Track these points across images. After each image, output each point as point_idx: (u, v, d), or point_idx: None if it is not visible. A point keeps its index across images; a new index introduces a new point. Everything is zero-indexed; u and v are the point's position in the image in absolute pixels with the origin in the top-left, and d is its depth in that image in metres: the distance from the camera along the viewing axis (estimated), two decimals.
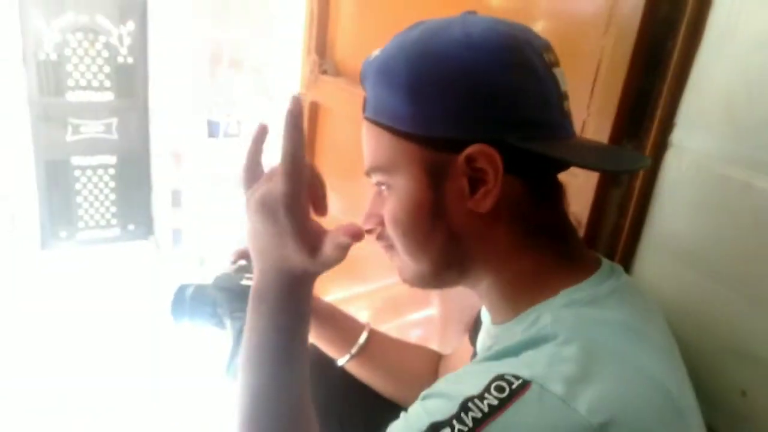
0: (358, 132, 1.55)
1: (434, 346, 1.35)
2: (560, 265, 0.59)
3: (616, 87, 0.79)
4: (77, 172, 3.96)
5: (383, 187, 0.65)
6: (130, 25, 3.79)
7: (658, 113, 0.76)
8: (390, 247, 0.67)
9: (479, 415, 0.45)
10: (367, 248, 1.69)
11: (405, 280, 0.68)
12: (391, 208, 0.63)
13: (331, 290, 1.71)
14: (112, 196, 4.12)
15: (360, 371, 0.99)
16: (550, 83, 0.57)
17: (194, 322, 0.95)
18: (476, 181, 0.57)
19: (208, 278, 1.00)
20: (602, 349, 0.49)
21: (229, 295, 0.94)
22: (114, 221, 4.21)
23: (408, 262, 0.66)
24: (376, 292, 1.59)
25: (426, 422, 0.47)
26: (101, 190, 4.09)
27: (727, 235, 0.70)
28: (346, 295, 1.73)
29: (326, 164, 1.53)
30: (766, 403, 0.68)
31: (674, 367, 0.55)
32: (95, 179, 4.04)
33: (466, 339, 0.90)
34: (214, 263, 3.26)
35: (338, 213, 1.60)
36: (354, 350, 0.98)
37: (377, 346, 0.99)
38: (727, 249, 0.70)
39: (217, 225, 3.36)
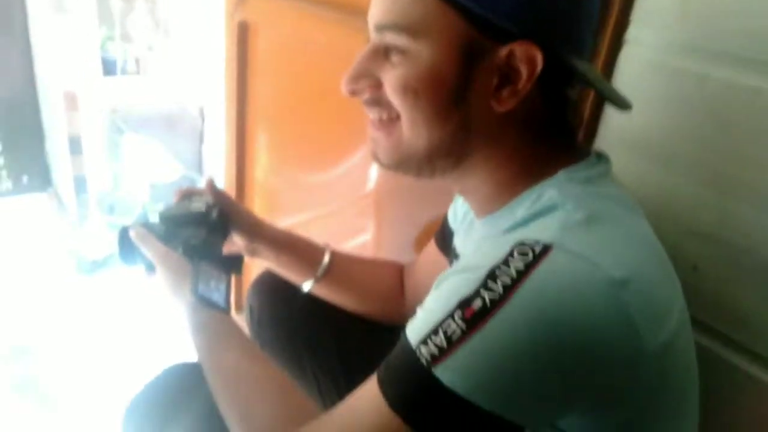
0: (298, 53, 1.47)
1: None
2: (558, 153, 0.60)
3: None
4: None
5: (392, 51, 0.57)
6: None
7: (614, 11, 0.78)
8: (380, 119, 0.60)
9: (508, 280, 0.45)
10: (288, 183, 1.64)
11: (383, 162, 0.62)
12: (404, 75, 0.54)
13: None
14: None
15: (326, 293, 0.98)
16: (597, 3, 0.57)
17: (147, 261, 0.86)
18: (507, 78, 0.54)
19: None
20: (608, 217, 0.52)
21: (179, 222, 0.87)
22: (4, 173, 3.81)
23: (405, 135, 0.57)
24: (304, 225, 1.56)
25: (454, 301, 0.46)
26: None
27: (683, 126, 0.74)
28: None
29: (261, 92, 1.44)
30: (715, 276, 0.74)
31: (654, 237, 0.59)
32: None
33: (432, 247, 0.91)
34: (125, 211, 3.06)
35: (278, 145, 1.53)
36: (319, 273, 0.96)
37: (340, 266, 0.98)
38: (682, 139, 0.75)
39: (123, 169, 3.13)
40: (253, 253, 0.95)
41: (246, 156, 1.60)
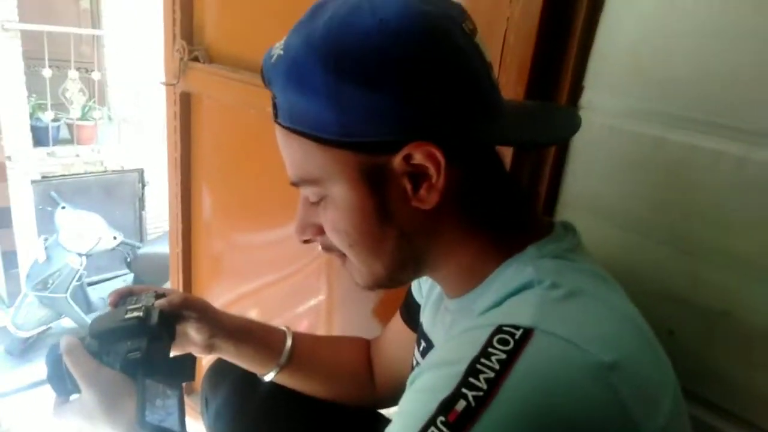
0: (238, 121, 1.42)
1: (321, 332, 1.30)
2: (519, 229, 0.56)
3: (525, 57, 0.78)
4: None
5: (316, 198, 0.57)
6: None
7: (567, 78, 0.77)
8: (340, 254, 0.60)
9: (491, 374, 0.40)
10: (236, 248, 1.58)
11: (360, 286, 0.61)
12: (331, 219, 0.55)
13: (213, 295, 1.57)
14: None
15: (291, 380, 0.88)
16: (476, 58, 0.53)
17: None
18: (417, 176, 0.51)
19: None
20: (587, 292, 0.48)
21: (113, 335, 0.72)
22: None
23: (360, 268, 0.58)
24: (259, 290, 1.49)
25: (433, 404, 0.41)
26: None
27: (645, 190, 0.73)
28: (229, 298, 1.60)
29: (205, 159, 1.37)
30: (691, 340, 0.72)
31: (637, 311, 0.55)
32: None
33: (397, 320, 0.85)
34: (59, 286, 2.84)
35: (224, 210, 1.45)
36: (282, 360, 0.86)
37: (303, 349, 0.90)
38: (645, 202, 0.73)
39: (57, 241, 2.93)
40: (211, 348, 0.85)
41: (191, 221, 1.51)
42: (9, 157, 2.93)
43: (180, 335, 0.80)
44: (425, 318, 0.74)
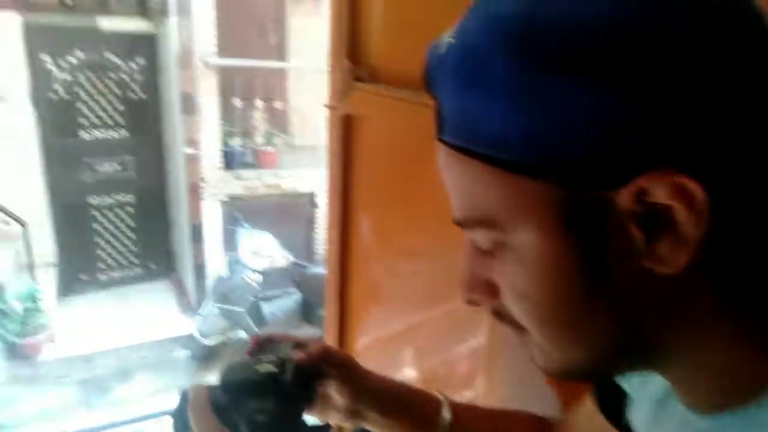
0: (401, 143, 1.33)
1: (482, 381, 1.12)
2: None
3: None
4: (95, 213, 3.77)
5: (490, 245, 0.38)
6: (140, 61, 3.63)
7: None
8: (518, 327, 0.40)
9: None
10: (393, 274, 1.48)
11: (544, 371, 0.42)
12: (511, 278, 0.37)
13: (368, 326, 1.47)
14: (132, 236, 3.91)
15: None
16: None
17: None
18: (655, 223, 0.31)
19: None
20: None
21: (242, 390, 0.63)
22: (136, 261, 4.00)
23: (549, 350, 0.39)
24: (416, 326, 1.35)
25: None
26: (121, 230, 3.89)
27: None
28: (384, 331, 1.49)
29: (365, 183, 1.29)
30: None
31: None
32: (114, 219, 3.84)
33: (590, 407, 0.64)
34: (238, 299, 3.02)
35: (383, 237, 1.37)
36: None
37: (464, 426, 0.73)
38: None
39: (238, 258, 3.13)
40: (353, 415, 0.72)
41: (350, 247, 1.45)
42: (203, 179, 3.22)
43: (319, 396, 0.68)
44: (638, 417, 0.52)
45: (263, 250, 2.99)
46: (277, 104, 3.36)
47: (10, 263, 3.12)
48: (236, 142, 3.30)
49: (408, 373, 1.17)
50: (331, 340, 1.27)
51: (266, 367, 0.59)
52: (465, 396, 1.12)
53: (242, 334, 3.12)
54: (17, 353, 2.87)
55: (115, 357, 3.12)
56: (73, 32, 3.32)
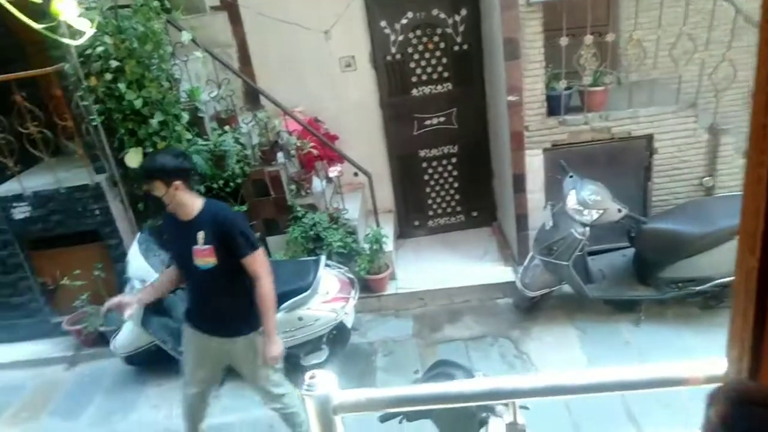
0: None
1: None
2: None
3: None
4: (424, 164, 4.03)
5: None
6: (463, 12, 3.63)
7: None
8: None
9: None
10: None
11: None
12: None
13: None
14: (456, 185, 4.07)
15: None
16: None
17: None
18: None
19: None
20: None
21: None
22: (459, 209, 4.16)
23: None
24: None
25: None
26: (446, 180, 4.08)
27: None
28: None
29: None
30: None
31: None
32: (440, 170, 4.04)
33: None
34: (562, 253, 2.84)
35: None
36: None
37: None
38: None
39: (563, 209, 2.92)
40: None
41: None
42: (527, 127, 3.08)
43: None
44: None
45: (592, 201, 2.71)
46: (608, 37, 2.96)
47: (359, 210, 3.56)
48: (561, 86, 3.04)
49: None
50: (736, 349, 0.61)
51: None
52: None
53: (567, 289, 2.94)
54: (367, 288, 3.27)
55: (445, 296, 3.31)
56: None
